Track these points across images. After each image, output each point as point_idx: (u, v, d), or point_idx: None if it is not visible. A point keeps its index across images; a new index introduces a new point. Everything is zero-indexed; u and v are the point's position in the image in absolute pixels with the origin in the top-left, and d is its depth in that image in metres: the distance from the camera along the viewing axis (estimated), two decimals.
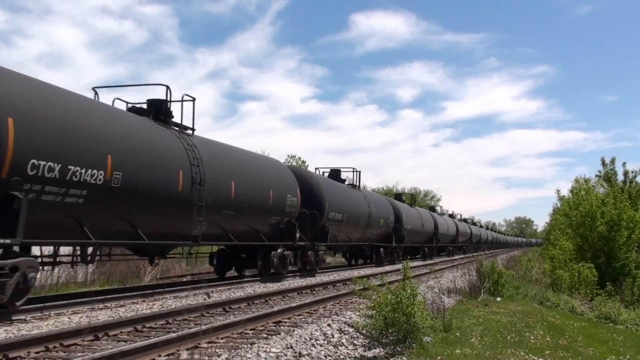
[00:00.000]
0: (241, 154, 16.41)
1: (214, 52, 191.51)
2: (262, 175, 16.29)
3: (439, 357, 6.67)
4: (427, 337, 7.77)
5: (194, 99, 13.70)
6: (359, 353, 7.21)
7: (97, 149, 9.99)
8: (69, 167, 9.23)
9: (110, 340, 7.12)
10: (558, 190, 31.36)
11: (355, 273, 20.18)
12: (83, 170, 9.53)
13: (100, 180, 9.92)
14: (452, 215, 56.38)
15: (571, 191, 30.53)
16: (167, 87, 13.19)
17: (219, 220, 14.05)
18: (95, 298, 10.81)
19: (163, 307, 10.25)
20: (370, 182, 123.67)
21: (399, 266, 24.09)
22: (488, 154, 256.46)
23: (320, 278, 17.73)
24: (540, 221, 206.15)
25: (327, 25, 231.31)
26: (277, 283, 15.73)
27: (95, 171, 9.80)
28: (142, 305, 10.81)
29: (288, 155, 46.06)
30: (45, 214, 9.18)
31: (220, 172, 13.86)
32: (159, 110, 13.06)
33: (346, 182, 25.15)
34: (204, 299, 10.31)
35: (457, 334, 8.63)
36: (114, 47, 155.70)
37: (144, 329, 7.91)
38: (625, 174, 28.89)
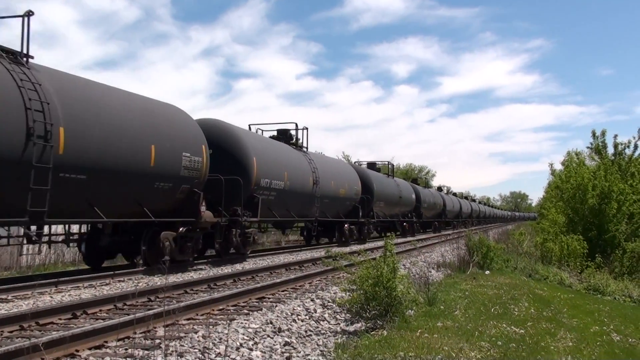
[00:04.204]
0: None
1: (207, 29, 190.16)
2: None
3: (419, 330, 6.63)
4: (410, 311, 7.74)
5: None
6: (340, 328, 7.16)
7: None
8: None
9: (88, 319, 7.05)
10: (551, 164, 31.32)
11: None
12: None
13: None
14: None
15: (563, 164, 30.45)
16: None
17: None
18: (80, 277, 10.74)
19: (148, 285, 10.19)
20: (366, 158, 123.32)
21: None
22: (483, 129, 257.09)
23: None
24: (536, 195, 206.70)
25: (321, 0, 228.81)
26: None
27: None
28: (127, 283, 10.75)
29: None
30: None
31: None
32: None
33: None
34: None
35: (441, 307, 8.59)
36: (106, 25, 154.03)
37: (125, 307, 7.84)
38: (616, 146, 28.79)
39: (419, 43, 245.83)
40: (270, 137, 19.75)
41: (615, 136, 29.24)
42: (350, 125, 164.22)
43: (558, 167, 32.42)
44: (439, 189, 52.94)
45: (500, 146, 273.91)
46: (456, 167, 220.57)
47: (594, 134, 29.31)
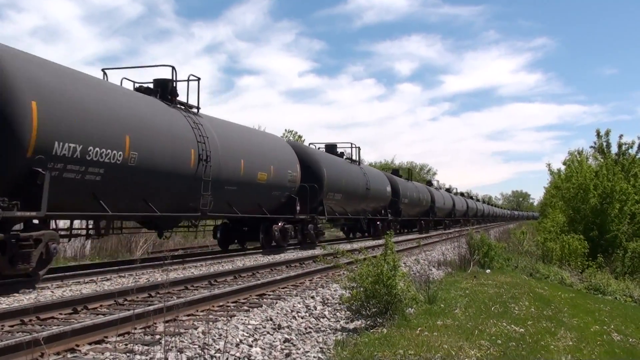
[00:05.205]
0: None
1: (210, 26, 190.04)
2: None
3: (419, 328, 6.63)
4: (410, 309, 7.74)
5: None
6: (340, 325, 7.17)
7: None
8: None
9: (88, 314, 7.07)
10: (549, 164, 31.32)
11: (353, 245, 19.94)
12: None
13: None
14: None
15: (564, 163, 30.44)
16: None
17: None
18: (80, 272, 10.76)
19: (149, 281, 10.21)
20: (368, 156, 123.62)
21: (394, 239, 24.90)
22: (486, 128, 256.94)
23: (320, 250, 17.31)
24: (538, 195, 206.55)
25: None
26: (278, 255, 16.16)
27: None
28: (128, 279, 10.77)
29: (285, 130, 45.60)
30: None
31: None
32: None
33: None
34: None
35: (442, 305, 8.59)
36: (109, 20, 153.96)
37: (125, 302, 7.86)
38: (620, 146, 28.78)
39: (422, 41, 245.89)
40: (138, 88, 13.41)
41: (621, 136, 29.26)
42: (353, 123, 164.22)
43: (557, 166, 32.42)
44: (429, 183, 48.11)
45: (503, 145, 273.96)
46: (458, 166, 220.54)
47: (598, 133, 29.33)
